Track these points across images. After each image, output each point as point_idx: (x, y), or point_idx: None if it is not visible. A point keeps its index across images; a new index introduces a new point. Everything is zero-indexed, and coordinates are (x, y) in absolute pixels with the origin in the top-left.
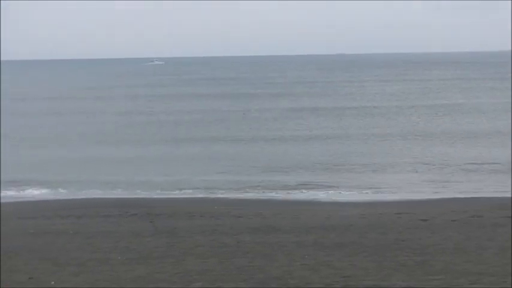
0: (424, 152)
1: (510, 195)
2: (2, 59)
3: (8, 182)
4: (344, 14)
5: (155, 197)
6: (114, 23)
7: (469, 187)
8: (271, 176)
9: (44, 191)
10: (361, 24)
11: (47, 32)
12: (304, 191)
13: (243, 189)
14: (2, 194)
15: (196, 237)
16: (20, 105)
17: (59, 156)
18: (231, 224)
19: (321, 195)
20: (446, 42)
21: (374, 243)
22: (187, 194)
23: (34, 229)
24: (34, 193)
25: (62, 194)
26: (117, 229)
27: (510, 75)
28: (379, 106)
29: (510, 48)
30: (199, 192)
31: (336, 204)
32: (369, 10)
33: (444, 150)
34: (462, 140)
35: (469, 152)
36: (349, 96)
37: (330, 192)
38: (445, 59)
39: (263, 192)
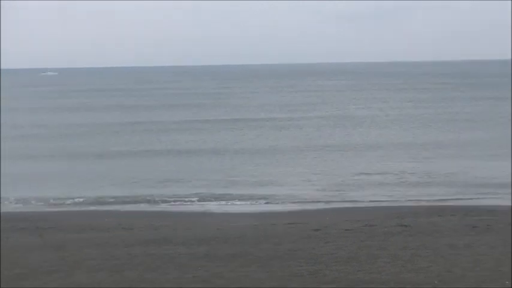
0: (317, 162)
1: (401, 204)
2: None
3: None
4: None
5: (44, 210)
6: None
7: (362, 197)
8: (163, 188)
9: None
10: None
11: None
12: (196, 202)
13: (135, 201)
14: None
15: (85, 250)
16: None
17: None
18: (122, 237)
19: (213, 207)
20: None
21: (267, 253)
22: (77, 207)
23: None
24: None
25: None
26: (5, 244)
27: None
28: (272, 118)
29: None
30: (90, 205)
31: (228, 215)
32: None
33: (337, 160)
34: (354, 151)
35: (361, 163)
36: (242, 107)
37: (222, 203)
38: (336, 69)
39: (155, 204)
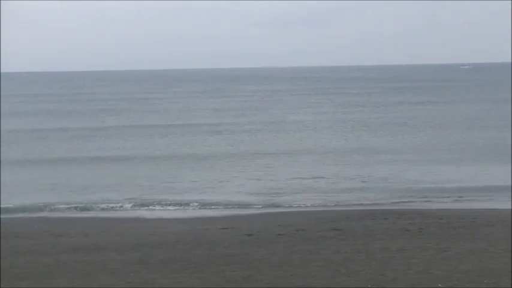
0: (250, 167)
1: (334, 208)
2: None
3: None
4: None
5: None
6: None
7: (295, 201)
8: (94, 194)
9: None
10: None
11: None
12: (128, 208)
13: (65, 208)
14: None
15: (10, 258)
16: None
17: None
18: (51, 244)
19: (146, 212)
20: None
21: (200, 258)
22: (2, 214)
23: None
24: None
25: None
26: None
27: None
28: (204, 123)
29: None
30: (16, 213)
31: (161, 220)
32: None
33: (270, 165)
34: (287, 156)
35: (294, 167)
36: (171, 112)
37: (156, 208)
38: (267, 74)
39: (86, 210)
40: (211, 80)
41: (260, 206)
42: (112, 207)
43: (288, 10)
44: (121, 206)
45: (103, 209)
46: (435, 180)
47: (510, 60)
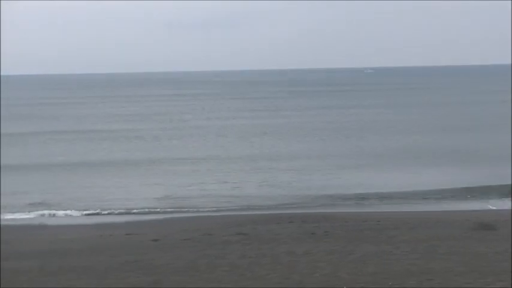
0: (155, 173)
1: (240, 213)
2: None
3: None
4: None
5: None
6: None
7: (200, 206)
8: None
9: None
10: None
11: None
12: (29, 215)
13: None
14: None
15: None
16: None
17: None
18: None
19: (47, 219)
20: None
21: (104, 265)
22: None
23: None
24: None
25: None
26: None
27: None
28: (107, 129)
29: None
30: None
31: (63, 227)
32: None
33: (175, 171)
34: (192, 162)
35: (200, 173)
36: (73, 118)
37: (57, 215)
38: (179, 78)
39: None
40: (118, 85)
41: (165, 211)
42: (12, 215)
43: (194, 13)
44: (20, 213)
45: (3, 217)
46: (339, 184)
47: (411, 65)
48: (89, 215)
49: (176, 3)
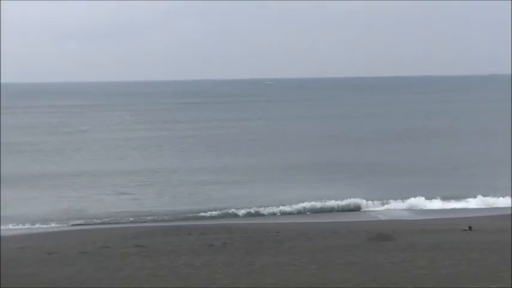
0: (51, 186)
1: (137, 225)
2: None
3: None
4: None
5: None
6: None
7: (98, 218)
8: None
9: None
10: None
11: None
12: None
13: None
14: None
15: None
16: None
17: None
18: None
19: None
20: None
21: None
22: None
23: None
24: None
25: None
26: None
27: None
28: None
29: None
30: None
31: None
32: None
33: (71, 184)
34: (89, 175)
35: (97, 186)
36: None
37: None
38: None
39: None
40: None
41: (60, 224)
42: None
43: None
44: None
45: None
46: (235, 196)
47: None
48: None
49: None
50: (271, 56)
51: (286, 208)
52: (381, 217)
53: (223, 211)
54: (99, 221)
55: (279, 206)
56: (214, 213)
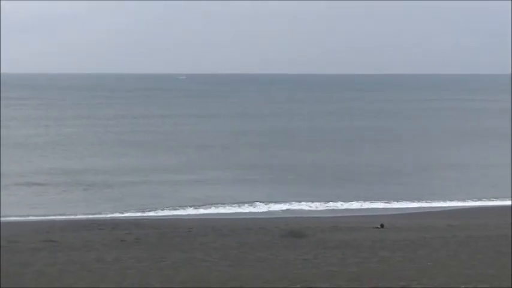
0: None
1: (48, 219)
2: None
3: None
4: None
5: None
6: None
7: (6, 212)
8: None
9: None
10: None
11: None
12: None
13: None
14: None
15: None
16: None
17: None
18: None
19: None
20: None
21: None
22: None
23: None
24: None
25: None
26: None
27: None
28: None
29: None
30: None
31: None
32: None
33: None
34: None
35: (9, 179)
36: None
37: None
38: None
39: None
40: None
41: None
42: None
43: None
44: None
45: None
46: (151, 193)
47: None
48: None
49: None
50: (192, 50)
51: (202, 203)
52: (293, 214)
53: (135, 206)
54: (7, 215)
55: (194, 202)
56: (126, 208)
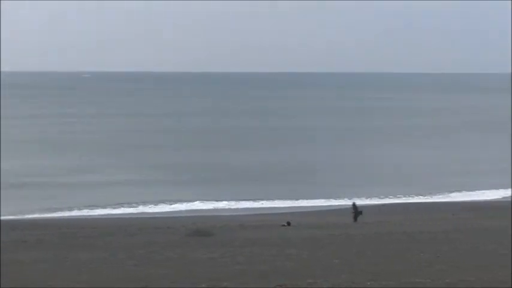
0: None
1: None
2: None
3: None
4: None
5: None
6: None
7: None
8: None
9: None
10: None
11: None
12: None
13: None
14: None
15: None
16: None
17: None
18: None
19: None
20: None
21: None
22: None
23: None
24: None
25: None
26: None
27: None
28: None
29: None
30: None
31: None
32: None
33: None
34: None
35: None
36: None
37: None
38: None
39: None
40: None
41: None
42: None
43: None
44: None
45: None
46: (61, 193)
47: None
48: None
49: None
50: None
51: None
52: (200, 213)
53: (41, 208)
54: None
55: (105, 207)
56: (29, 210)
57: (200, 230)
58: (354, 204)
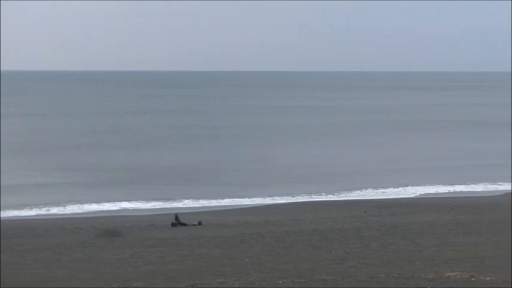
0: None
1: None
2: None
3: None
4: None
5: None
6: None
7: None
8: None
9: None
10: None
11: None
12: None
13: None
14: None
15: None
16: None
17: None
18: None
19: None
20: None
21: None
22: None
23: None
24: None
25: None
26: None
27: None
28: None
29: None
30: None
31: None
32: None
33: None
34: None
35: None
36: None
37: None
38: None
39: None
40: None
41: None
42: None
43: None
44: None
45: None
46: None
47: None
48: None
49: None
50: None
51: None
52: (110, 214)
53: None
54: None
55: (10, 209)
56: None
57: (110, 230)
58: (176, 216)
